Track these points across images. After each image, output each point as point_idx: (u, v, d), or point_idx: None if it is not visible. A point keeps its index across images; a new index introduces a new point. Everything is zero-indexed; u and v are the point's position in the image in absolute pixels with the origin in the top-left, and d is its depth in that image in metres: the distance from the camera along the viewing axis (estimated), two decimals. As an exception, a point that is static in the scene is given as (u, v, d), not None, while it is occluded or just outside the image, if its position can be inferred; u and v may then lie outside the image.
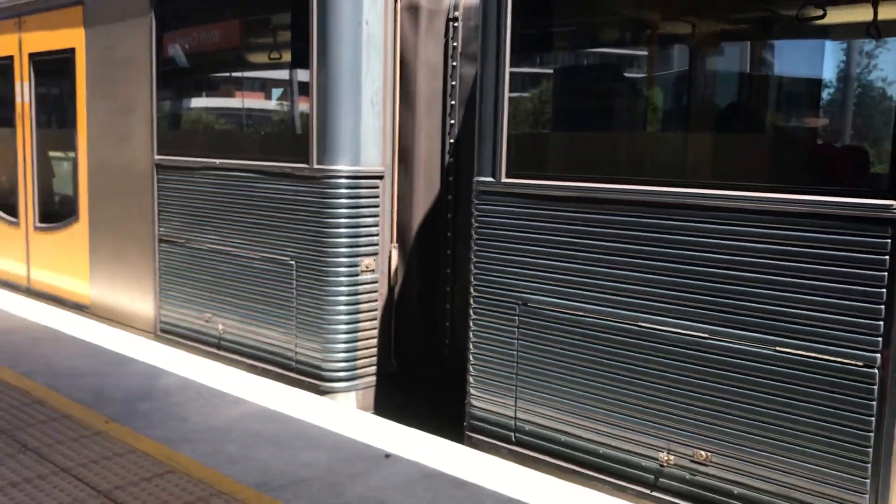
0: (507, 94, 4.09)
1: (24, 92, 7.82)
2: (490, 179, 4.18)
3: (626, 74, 4.57)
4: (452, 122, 5.25)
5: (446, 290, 5.39)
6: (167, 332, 6.37)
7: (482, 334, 4.29)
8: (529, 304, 4.07)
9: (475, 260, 4.25)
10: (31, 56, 7.67)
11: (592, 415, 3.87)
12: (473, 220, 4.25)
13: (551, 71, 4.64)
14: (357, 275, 5.21)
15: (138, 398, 4.88)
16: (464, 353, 4.51)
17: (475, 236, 4.24)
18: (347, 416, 4.77)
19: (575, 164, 4.10)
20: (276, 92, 5.93)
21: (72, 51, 7.11)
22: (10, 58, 7.90)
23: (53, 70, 7.71)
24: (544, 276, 4.00)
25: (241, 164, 5.61)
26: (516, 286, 4.11)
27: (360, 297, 5.25)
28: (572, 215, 3.88)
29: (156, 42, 6.25)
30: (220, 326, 5.90)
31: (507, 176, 4.13)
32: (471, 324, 4.35)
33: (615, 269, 3.74)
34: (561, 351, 3.96)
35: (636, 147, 4.09)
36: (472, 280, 4.28)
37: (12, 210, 8.21)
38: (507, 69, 4.09)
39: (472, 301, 4.31)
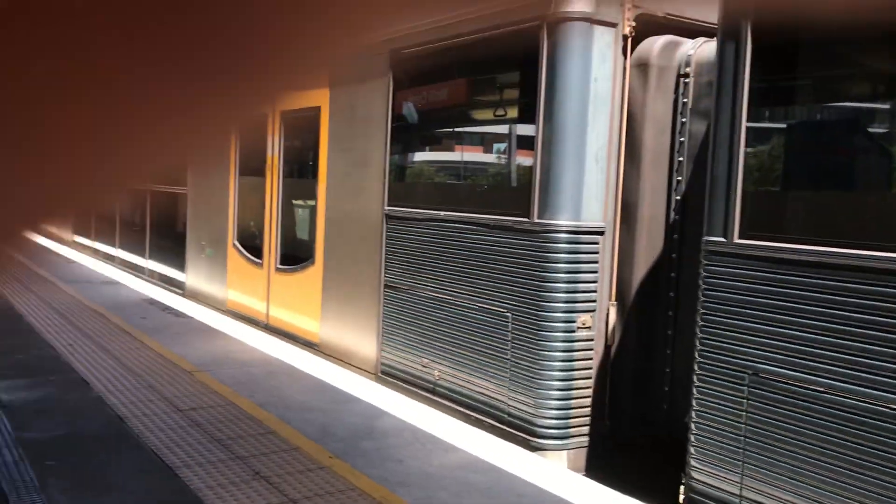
0: (742, 150, 3.91)
1: (274, 145, 8.62)
2: (721, 239, 3.99)
3: (873, 130, 4.22)
4: (679, 178, 5.10)
5: (666, 352, 5.18)
6: (387, 374, 6.65)
7: (706, 403, 4.06)
8: (761, 375, 3.80)
9: (702, 324, 4.06)
10: (282, 113, 8.46)
11: (829, 501, 3.51)
12: (701, 282, 4.07)
13: (790, 126, 4.38)
14: (573, 331, 5.16)
15: (360, 437, 5.11)
16: (683, 419, 4.30)
17: (703, 298, 4.05)
18: (559, 476, 4.68)
19: (816, 227, 3.81)
20: (499, 147, 6.09)
21: (317, 109, 7.75)
22: (265, 115, 8.76)
23: (299, 126, 8.45)
24: (779, 345, 3.72)
25: (462, 216, 5.79)
26: (747, 354, 3.86)
27: (575, 353, 5.18)
28: (812, 281, 3.59)
29: (391, 101, 6.66)
30: (436, 373, 6.06)
31: (740, 236, 3.92)
32: (694, 391, 4.14)
33: (862, 343, 3.40)
34: (796, 427, 3.65)
35: (886, 209, 3.73)
36: (698, 345, 4.08)
37: (257, 252, 9.02)
38: (744, 124, 3.92)
39: (696, 367, 4.10)
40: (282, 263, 8.54)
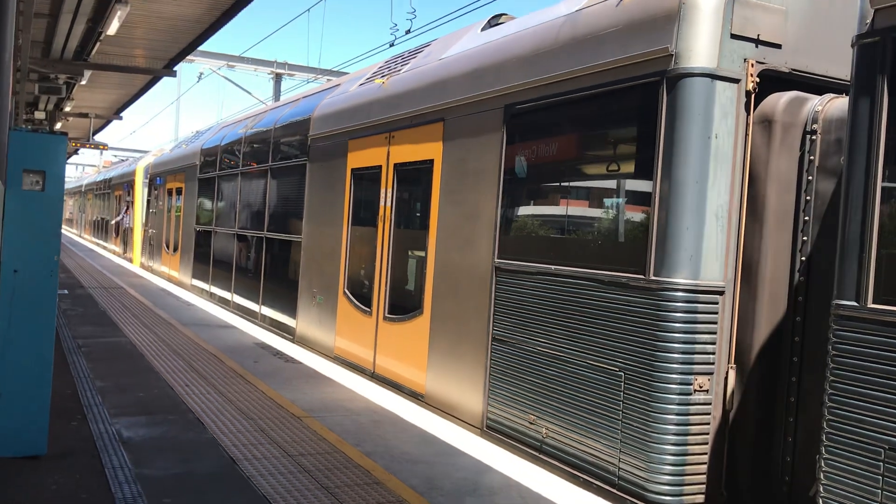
0: (877, 211, 3.72)
1: (387, 196, 8.82)
2: (853, 304, 3.78)
3: None
4: (805, 238, 4.89)
5: (788, 420, 4.91)
6: (492, 429, 6.57)
7: (836, 478, 3.81)
8: (899, 451, 3.54)
9: (831, 392, 3.83)
10: (396, 166, 8.66)
11: None
12: (831, 348, 3.85)
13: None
14: (689, 394, 4.97)
15: (465, 492, 5.04)
16: (807, 493, 4.04)
17: (832, 366, 3.83)
18: (672, 544, 4.47)
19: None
20: (612, 202, 6.01)
21: (430, 162, 7.90)
22: (379, 167, 8.99)
23: (412, 178, 8.62)
24: (920, 419, 3.47)
25: (574, 270, 5.72)
26: (883, 427, 3.61)
27: (690, 417, 4.98)
28: (959, 352, 3.35)
29: (504, 154, 6.72)
30: (544, 430, 5.94)
31: (875, 301, 3.70)
32: (821, 463, 3.89)
33: None
34: (940, 511, 3.37)
35: None
36: (826, 415, 3.85)
37: (367, 301, 9.18)
38: (879, 183, 3.73)
39: (824, 438, 3.86)
40: (390, 313, 8.64)
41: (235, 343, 10.30)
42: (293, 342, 11.15)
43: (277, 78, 30.11)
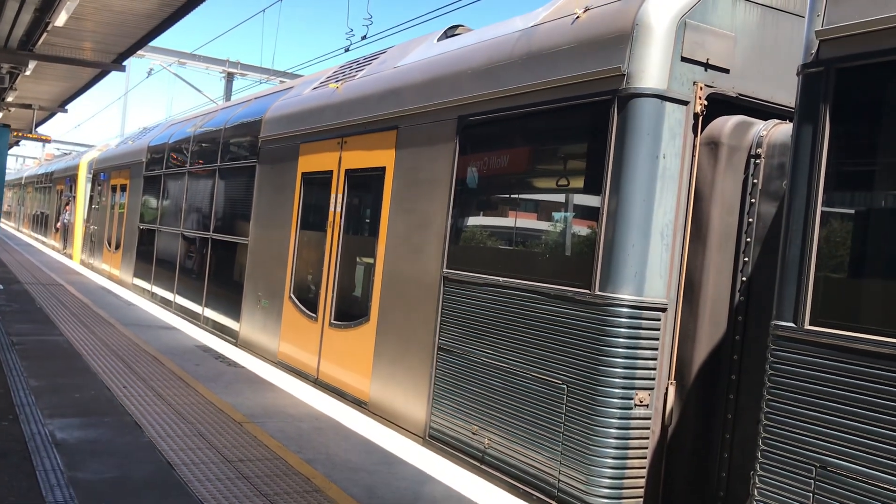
0: (817, 235, 3.83)
1: (337, 202, 8.76)
2: (791, 325, 3.88)
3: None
4: (746, 259, 5.01)
5: (725, 436, 5.02)
6: (435, 439, 6.57)
7: (768, 494, 3.90)
8: (829, 469, 3.64)
9: (767, 410, 3.92)
10: (347, 171, 8.62)
11: None
12: (768, 367, 3.95)
13: (867, 211, 4.29)
14: (630, 408, 5.04)
15: (406, 502, 5.02)
16: (742, 510, 4.13)
17: (769, 384, 3.93)
18: (609, 557, 4.51)
19: (892, 316, 3.69)
20: (561, 217, 6.07)
21: (382, 169, 7.88)
22: (331, 172, 8.93)
23: (363, 185, 8.59)
24: (849, 437, 3.57)
25: (521, 283, 5.77)
26: (815, 446, 3.71)
27: (630, 431, 5.06)
28: (886, 374, 3.46)
29: (456, 165, 6.74)
30: (486, 441, 5.96)
31: (812, 323, 3.81)
32: (755, 480, 3.98)
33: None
34: (866, 528, 3.47)
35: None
36: (762, 432, 3.94)
37: (312, 306, 9.09)
38: (819, 208, 3.84)
39: (759, 455, 3.95)
40: (336, 319, 8.58)
41: (177, 345, 10.10)
42: (236, 346, 10.98)
43: (229, 77, 29.77)
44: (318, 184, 9.39)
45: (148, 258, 16.15)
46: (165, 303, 14.71)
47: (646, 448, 5.10)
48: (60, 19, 11.15)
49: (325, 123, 9.17)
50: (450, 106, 6.89)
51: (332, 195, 8.85)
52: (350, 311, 8.52)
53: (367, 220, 8.57)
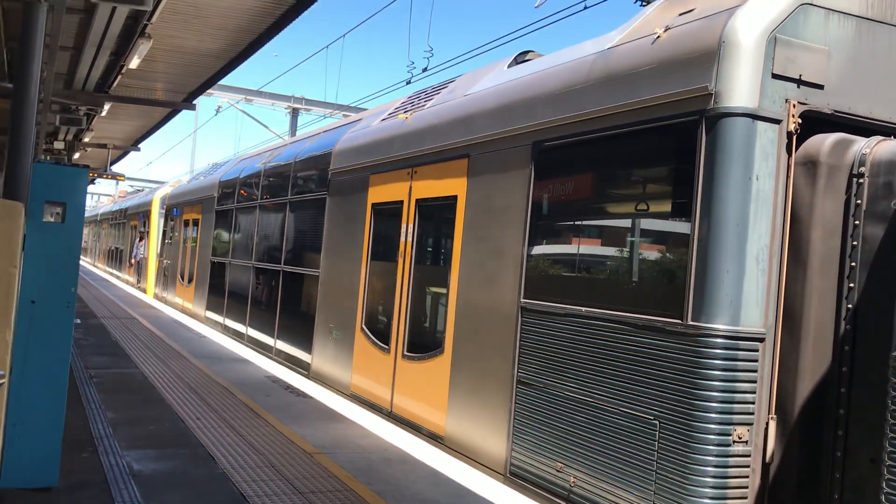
0: (939, 260, 3.53)
1: (408, 232, 8.68)
2: (914, 357, 3.58)
3: None
4: (851, 285, 4.69)
5: (834, 476, 4.67)
6: (516, 476, 6.34)
7: (894, 541, 3.57)
8: (966, 516, 3.31)
9: (890, 449, 3.61)
10: (418, 201, 8.53)
11: None
12: (890, 402, 3.64)
13: None
14: (728, 444, 4.75)
15: (491, 544, 4.81)
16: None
17: (892, 421, 3.62)
18: None
19: None
20: (646, 243, 5.83)
21: (454, 198, 7.76)
22: (401, 202, 8.86)
23: (434, 214, 8.48)
24: None
25: (607, 313, 5.54)
26: (947, 490, 3.39)
27: (729, 469, 4.75)
28: None
29: (532, 191, 6.57)
30: (572, 479, 5.71)
31: (937, 354, 3.50)
32: (877, 525, 3.66)
33: None
34: None
35: None
36: (886, 473, 3.62)
37: (384, 337, 8.99)
38: (940, 231, 3.55)
39: (883, 498, 3.63)
40: (409, 351, 8.45)
41: (248, 377, 10.11)
42: (308, 378, 10.95)
43: (294, 113, 30.30)
44: (388, 214, 9.33)
45: (220, 291, 16.36)
46: (238, 335, 14.84)
47: (746, 487, 4.79)
48: (134, 62, 11.56)
49: (395, 154, 9.12)
50: (524, 132, 6.74)
51: (403, 225, 8.76)
52: (423, 343, 8.38)
53: (439, 250, 8.46)
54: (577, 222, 6.38)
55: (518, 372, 6.45)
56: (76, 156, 23.63)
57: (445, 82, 9.53)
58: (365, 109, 18.57)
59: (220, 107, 30.43)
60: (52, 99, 14.10)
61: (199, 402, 8.34)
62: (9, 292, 2.74)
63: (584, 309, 5.77)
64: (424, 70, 18.26)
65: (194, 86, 14.82)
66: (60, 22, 8.92)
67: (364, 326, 9.54)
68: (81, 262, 43.82)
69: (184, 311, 19.55)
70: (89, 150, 24.41)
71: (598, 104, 5.91)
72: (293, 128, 30.20)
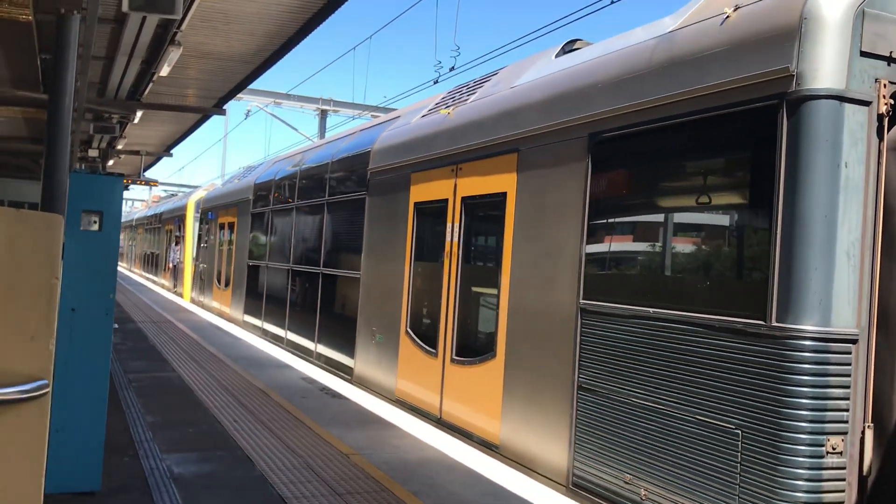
0: None
1: (453, 231, 8.36)
2: None
3: None
4: (956, 280, 4.28)
5: (940, 489, 4.27)
6: (580, 487, 5.99)
7: None
8: None
9: None
10: (464, 199, 8.20)
11: None
12: None
13: None
14: (821, 456, 4.36)
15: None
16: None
17: None
18: None
19: None
20: (721, 239, 5.45)
21: (503, 195, 7.43)
22: (445, 201, 8.55)
23: (481, 212, 8.16)
24: None
25: (678, 314, 5.17)
26: None
27: (822, 483, 4.37)
28: None
29: (590, 185, 6.22)
30: (643, 492, 5.35)
31: None
32: None
33: None
34: None
35: None
36: None
37: (431, 341, 8.68)
38: None
39: None
40: (458, 355, 8.13)
41: (288, 381, 9.87)
42: (351, 382, 10.69)
43: (323, 114, 30.38)
44: (431, 213, 9.03)
45: (258, 295, 16.20)
46: (277, 339, 14.65)
47: (842, 503, 4.40)
48: (164, 70, 11.66)
49: (438, 151, 8.81)
50: (579, 123, 6.39)
51: (448, 224, 8.45)
52: (473, 347, 8.07)
53: (488, 250, 8.13)
54: (640, 217, 6.01)
55: (579, 377, 6.10)
56: (110, 163, 23.93)
57: (488, 75, 9.19)
58: (393, 109, 18.30)
59: (249, 110, 30.62)
60: (86, 107, 14.25)
61: (237, 406, 8.20)
62: (51, 303, 2.81)
63: (651, 310, 5.41)
64: (452, 69, 17.95)
65: (224, 91, 14.96)
66: (93, 32, 9.04)
67: (409, 330, 9.24)
68: (118, 268, 44.35)
69: (221, 314, 19.44)
70: (123, 157, 24.70)
71: (661, 91, 5.54)
72: (322, 130, 30.27)
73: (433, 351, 8.59)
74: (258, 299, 16.16)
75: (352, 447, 6.72)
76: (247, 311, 17.02)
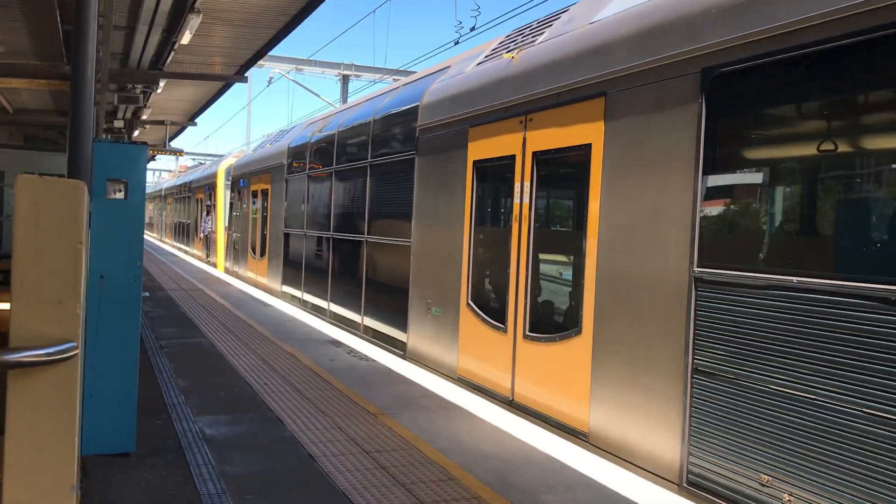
0: None
1: (522, 191, 7.40)
2: None
3: None
4: None
5: None
6: (696, 486, 5.09)
7: None
8: None
9: None
10: (535, 154, 7.23)
11: None
12: None
13: None
14: None
15: None
16: None
17: None
18: None
19: None
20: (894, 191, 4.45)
21: (586, 147, 6.45)
22: (512, 157, 7.58)
23: (558, 168, 7.19)
24: None
25: (836, 284, 4.19)
26: None
27: None
28: None
29: (704, 131, 5.22)
30: (786, 497, 4.43)
31: None
32: None
33: None
34: None
35: None
36: None
37: (498, 315, 7.78)
38: None
39: None
40: (532, 331, 7.22)
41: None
42: (404, 358, 9.85)
43: (345, 80, 30.30)
44: (495, 172, 8.07)
45: (296, 265, 15.39)
46: (318, 311, 13.85)
47: None
48: (186, 38, 11.67)
49: (502, 101, 7.82)
50: (688, 57, 5.37)
51: (517, 184, 7.48)
52: (550, 321, 7.15)
53: (567, 211, 7.17)
54: (777, 167, 5.00)
55: (695, 359, 5.16)
56: (136, 133, 24.14)
57: (557, 13, 8.14)
58: (414, 72, 17.47)
59: (272, 77, 30.27)
60: (109, 78, 14.34)
61: (268, 370, 7.91)
62: (76, 267, 2.90)
63: (795, 279, 4.44)
64: (472, 29, 17.91)
65: (245, 57, 15.06)
66: (112, 2, 9.13)
67: (470, 302, 8.34)
68: (148, 238, 44.37)
69: (257, 285, 18.72)
70: (148, 126, 24.74)
71: (803, 11, 4.50)
72: (344, 95, 30.17)
73: (501, 326, 7.68)
74: (297, 269, 15.35)
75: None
76: (285, 282, 16.24)
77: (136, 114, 20.95)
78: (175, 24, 11.55)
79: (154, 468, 5.02)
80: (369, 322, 11.38)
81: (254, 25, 12.41)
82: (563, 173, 7.18)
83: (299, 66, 29.16)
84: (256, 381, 7.68)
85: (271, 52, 15.52)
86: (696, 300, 5.18)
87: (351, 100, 17.35)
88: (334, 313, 12.98)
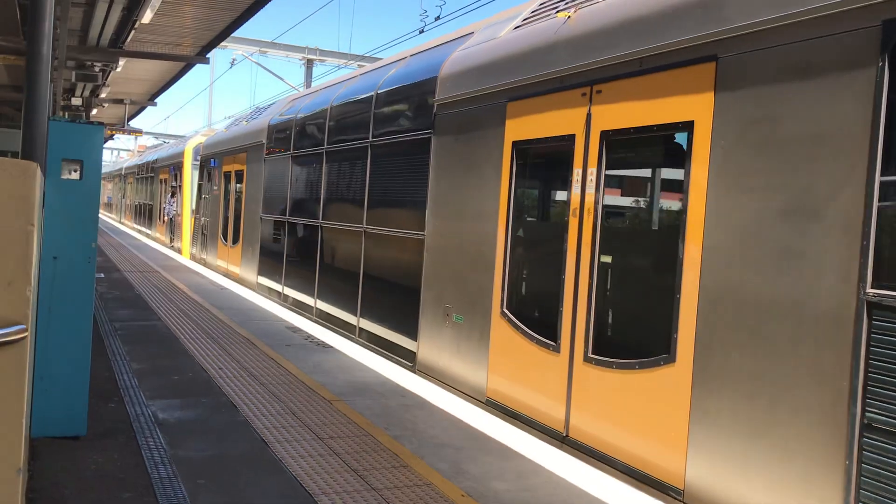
0: None
1: (585, 179, 6.01)
2: None
3: None
4: None
5: None
6: (870, 586, 3.77)
7: None
8: None
9: None
10: (605, 134, 5.84)
11: None
12: None
13: None
14: None
15: None
16: None
17: None
18: None
19: None
20: None
21: (687, 125, 5.08)
22: (570, 137, 6.19)
23: (638, 151, 5.82)
24: None
25: None
26: None
27: None
28: None
29: (885, 107, 3.88)
30: None
31: None
32: None
33: None
34: None
35: None
36: None
37: (546, 328, 6.40)
38: None
39: None
40: (598, 353, 5.85)
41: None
42: (413, 371, 8.44)
43: (309, 64, 30.42)
44: (544, 154, 6.68)
45: (276, 255, 13.85)
46: (302, 307, 12.35)
47: None
48: (147, 16, 11.35)
49: (557, 68, 6.42)
50: (861, 6, 4.02)
51: (577, 170, 6.10)
52: (625, 342, 5.80)
53: (654, 206, 5.81)
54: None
55: (866, 411, 3.84)
56: (94, 112, 23.71)
57: (627, -35, 6.74)
58: (379, 59, 16.49)
59: (234, 59, 29.47)
60: (67, 55, 13.96)
61: (222, 353, 7.77)
62: (27, 249, 2.79)
63: None
64: (437, 18, 17.58)
65: (208, 38, 14.50)
66: None
67: (506, 311, 6.95)
68: (106, 219, 42.38)
69: (228, 274, 17.10)
70: (106, 105, 24.25)
71: None
72: (308, 79, 30.18)
73: (551, 343, 6.30)
74: (277, 260, 13.81)
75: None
76: (262, 273, 14.67)
77: (95, 92, 20.34)
78: (136, 2, 11.24)
79: (105, 451, 4.92)
80: (367, 325, 9.93)
81: (217, 7, 12.20)
82: (645, 158, 5.82)
83: (263, 49, 28.50)
84: (212, 365, 7.41)
85: (235, 34, 15.20)
86: (868, 332, 3.85)
87: (342, 73, 15.79)
88: (322, 312, 11.49)
